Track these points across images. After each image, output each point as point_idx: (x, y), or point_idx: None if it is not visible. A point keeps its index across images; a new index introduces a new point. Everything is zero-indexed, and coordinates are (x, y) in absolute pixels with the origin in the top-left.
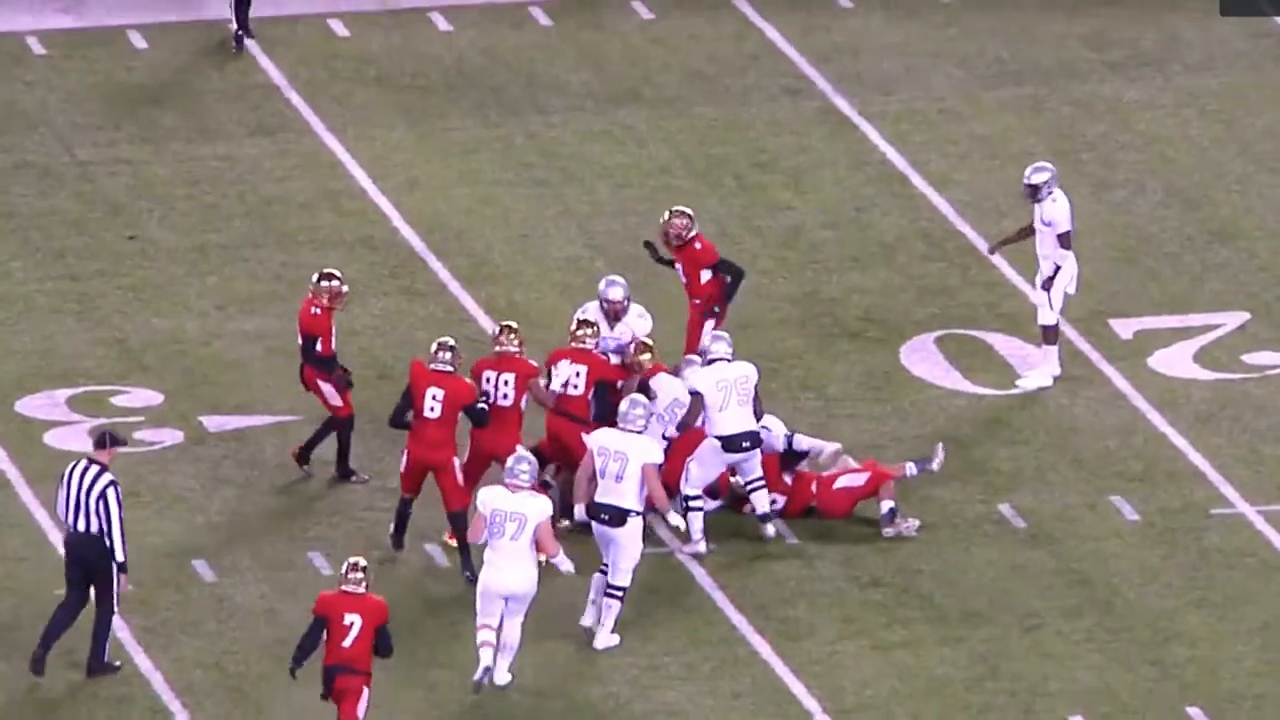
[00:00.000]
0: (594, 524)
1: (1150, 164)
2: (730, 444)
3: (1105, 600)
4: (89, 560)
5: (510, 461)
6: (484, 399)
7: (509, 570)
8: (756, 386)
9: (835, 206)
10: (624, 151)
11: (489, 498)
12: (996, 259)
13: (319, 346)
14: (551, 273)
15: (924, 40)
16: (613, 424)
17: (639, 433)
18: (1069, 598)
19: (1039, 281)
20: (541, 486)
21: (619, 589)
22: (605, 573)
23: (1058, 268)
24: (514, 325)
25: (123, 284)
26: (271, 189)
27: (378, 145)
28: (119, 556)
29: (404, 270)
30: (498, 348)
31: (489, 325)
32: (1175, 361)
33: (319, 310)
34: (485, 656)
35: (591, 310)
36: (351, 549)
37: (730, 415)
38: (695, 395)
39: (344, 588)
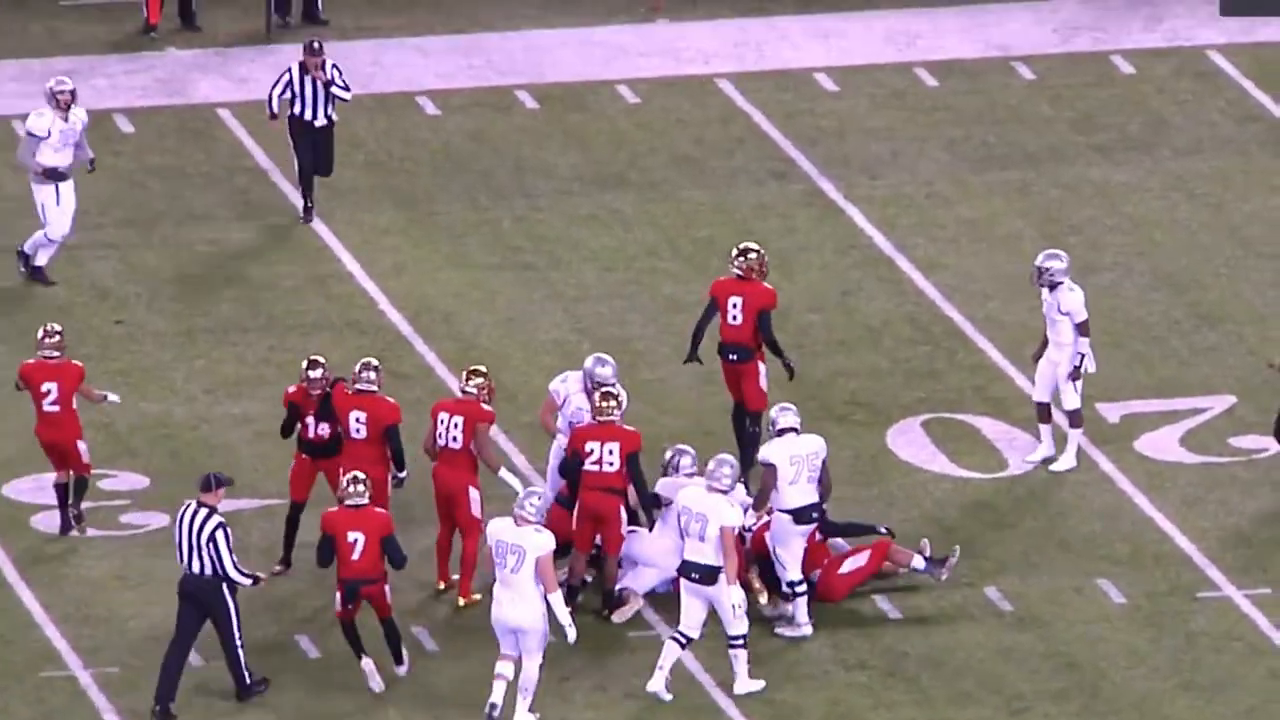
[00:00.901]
0: (684, 581)
1: (1138, 247)
2: (800, 516)
3: (1092, 683)
4: (203, 600)
5: (521, 495)
6: (439, 438)
7: (509, 603)
8: (824, 461)
9: (822, 289)
10: (611, 235)
11: (495, 529)
12: (984, 343)
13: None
14: (539, 355)
15: (910, 124)
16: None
17: (724, 492)
18: (1056, 681)
19: (1056, 371)
20: (569, 592)
21: (739, 638)
22: (678, 638)
23: (1082, 356)
24: (481, 369)
25: (110, 368)
26: (259, 273)
27: (365, 229)
28: (246, 583)
29: (391, 353)
30: (461, 391)
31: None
32: (1162, 445)
33: (293, 388)
34: (496, 690)
35: (572, 380)
36: (334, 632)
37: (799, 490)
38: (769, 467)
39: (345, 503)
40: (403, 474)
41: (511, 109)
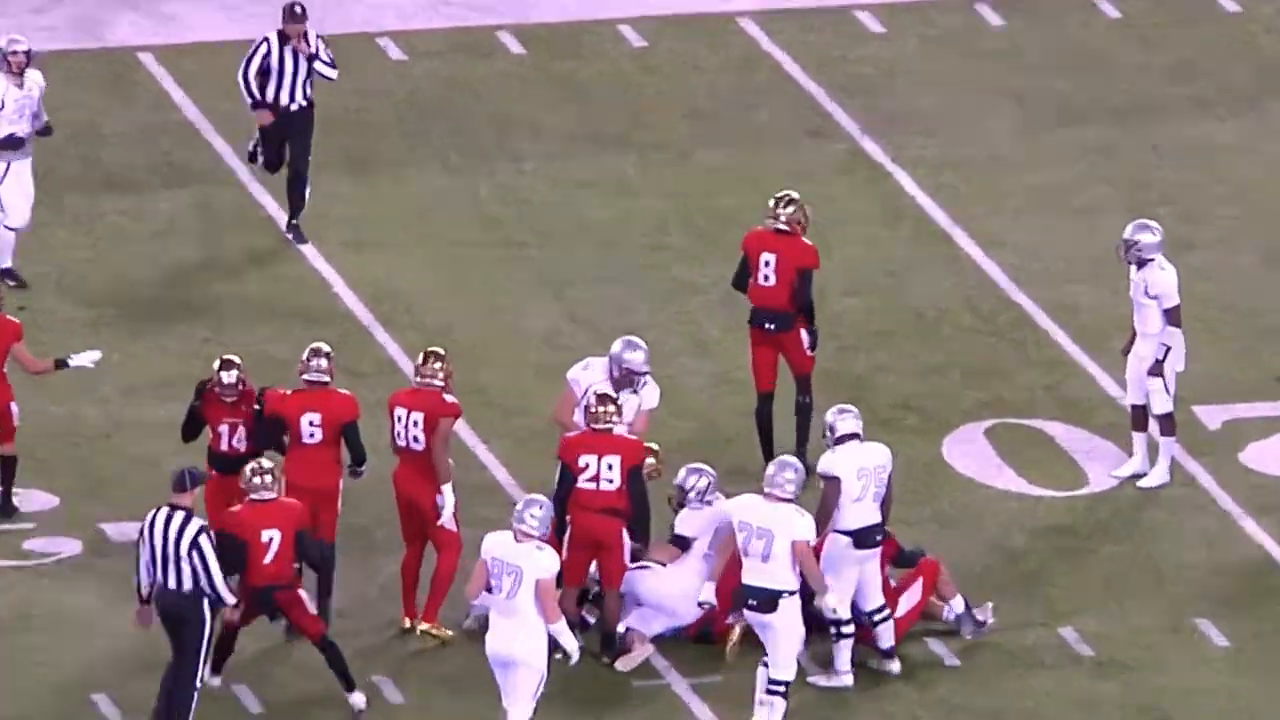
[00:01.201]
0: (745, 611)
1: (1245, 220)
2: (862, 539)
3: None
4: (179, 616)
5: (520, 505)
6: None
7: (503, 632)
8: (890, 476)
9: (863, 269)
10: (611, 205)
11: (492, 544)
12: (1059, 334)
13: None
14: (525, 351)
15: (970, 72)
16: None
17: (788, 500)
18: None
19: (1143, 367)
20: (582, 623)
21: (781, 683)
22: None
23: (1166, 349)
24: (440, 351)
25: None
26: (188, 249)
27: (315, 196)
28: (229, 600)
29: (346, 346)
30: (418, 379)
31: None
32: (1273, 456)
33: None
34: None
35: (596, 367)
36: (276, 679)
37: (863, 508)
38: (832, 480)
39: (252, 497)
40: (362, 468)
41: (493, 53)
